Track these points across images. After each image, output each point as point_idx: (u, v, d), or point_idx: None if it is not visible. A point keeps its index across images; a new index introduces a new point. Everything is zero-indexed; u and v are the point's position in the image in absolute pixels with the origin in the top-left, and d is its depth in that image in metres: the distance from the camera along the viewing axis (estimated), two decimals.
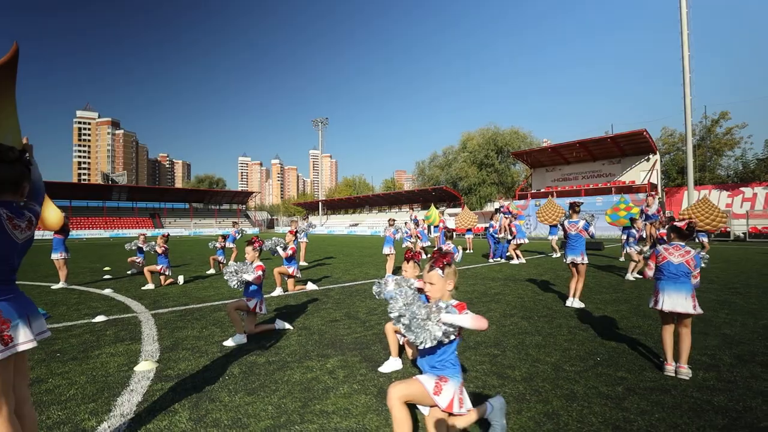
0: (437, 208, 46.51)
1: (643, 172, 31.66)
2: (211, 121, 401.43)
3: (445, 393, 2.12)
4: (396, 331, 3.60)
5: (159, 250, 8.09)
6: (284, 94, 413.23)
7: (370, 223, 52.45)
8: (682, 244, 3.51)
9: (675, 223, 3.57)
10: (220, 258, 11.01)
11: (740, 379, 3.28)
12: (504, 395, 2.86)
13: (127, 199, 65.21)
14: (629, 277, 8.41)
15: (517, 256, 12.35)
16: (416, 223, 13.72)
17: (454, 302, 2.18)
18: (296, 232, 7.97)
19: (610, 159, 33.90)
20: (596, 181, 34.47)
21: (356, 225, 54.42)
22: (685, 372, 3.28)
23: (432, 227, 18.95)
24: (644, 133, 28.72)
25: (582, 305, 5.88)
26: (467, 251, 16.59)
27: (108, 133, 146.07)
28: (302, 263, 12.51)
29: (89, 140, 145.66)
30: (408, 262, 3.66)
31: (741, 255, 14.44)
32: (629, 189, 30.33)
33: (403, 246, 16.40)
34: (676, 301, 3.37)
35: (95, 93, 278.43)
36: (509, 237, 13.05)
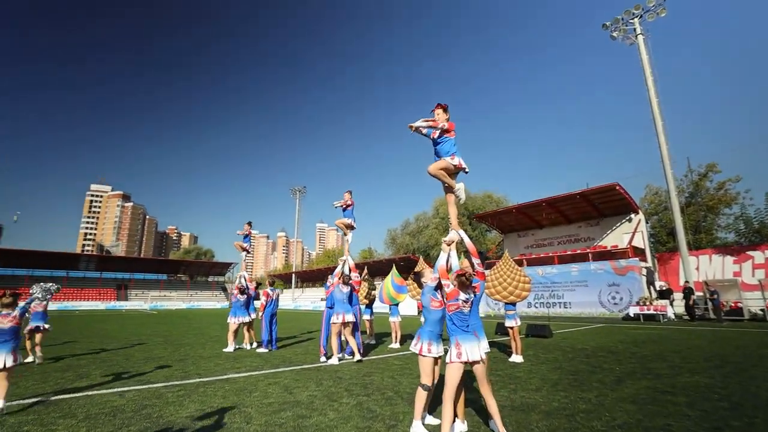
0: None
1: (626, 234, 26.47)
2: (228, 197, 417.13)
3: None
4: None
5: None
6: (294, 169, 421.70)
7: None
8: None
9: None
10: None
11: None
12: None
13: (95, 268, 62.56)
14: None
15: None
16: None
17: None
18: None
19: (587, 221, 29.02)
20: (574, 246, 29.23)
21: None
22: None
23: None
24: (617, 187, 24.15)
25: None
26: (392, 345, 9.70)
27: (117, 206, 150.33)
28: None
29: (99, 212, 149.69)
30: None
31: (747, 352, 8.06)
32: (611, 254, 24.94)
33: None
34: None
35: (113, 169, 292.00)
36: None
